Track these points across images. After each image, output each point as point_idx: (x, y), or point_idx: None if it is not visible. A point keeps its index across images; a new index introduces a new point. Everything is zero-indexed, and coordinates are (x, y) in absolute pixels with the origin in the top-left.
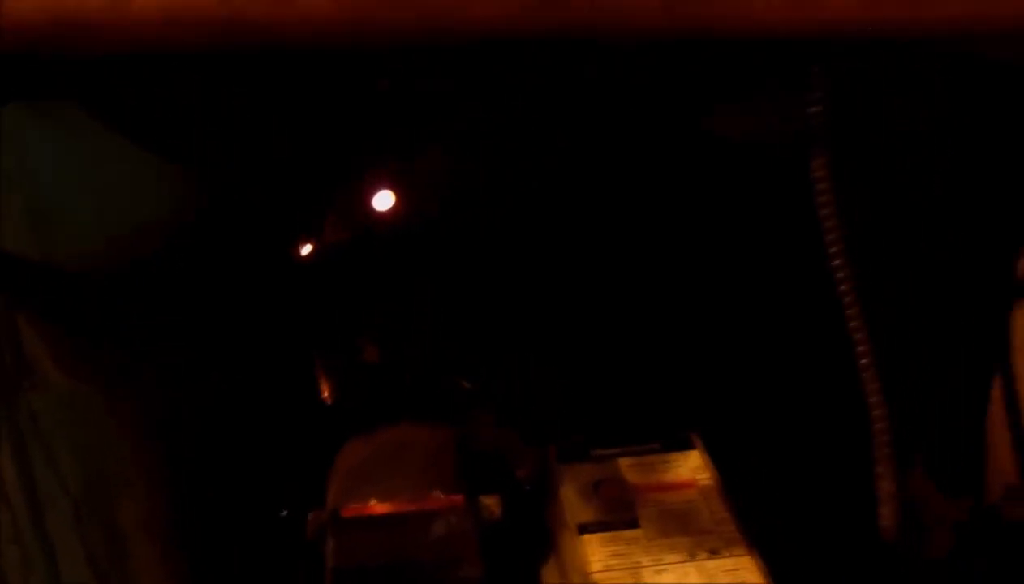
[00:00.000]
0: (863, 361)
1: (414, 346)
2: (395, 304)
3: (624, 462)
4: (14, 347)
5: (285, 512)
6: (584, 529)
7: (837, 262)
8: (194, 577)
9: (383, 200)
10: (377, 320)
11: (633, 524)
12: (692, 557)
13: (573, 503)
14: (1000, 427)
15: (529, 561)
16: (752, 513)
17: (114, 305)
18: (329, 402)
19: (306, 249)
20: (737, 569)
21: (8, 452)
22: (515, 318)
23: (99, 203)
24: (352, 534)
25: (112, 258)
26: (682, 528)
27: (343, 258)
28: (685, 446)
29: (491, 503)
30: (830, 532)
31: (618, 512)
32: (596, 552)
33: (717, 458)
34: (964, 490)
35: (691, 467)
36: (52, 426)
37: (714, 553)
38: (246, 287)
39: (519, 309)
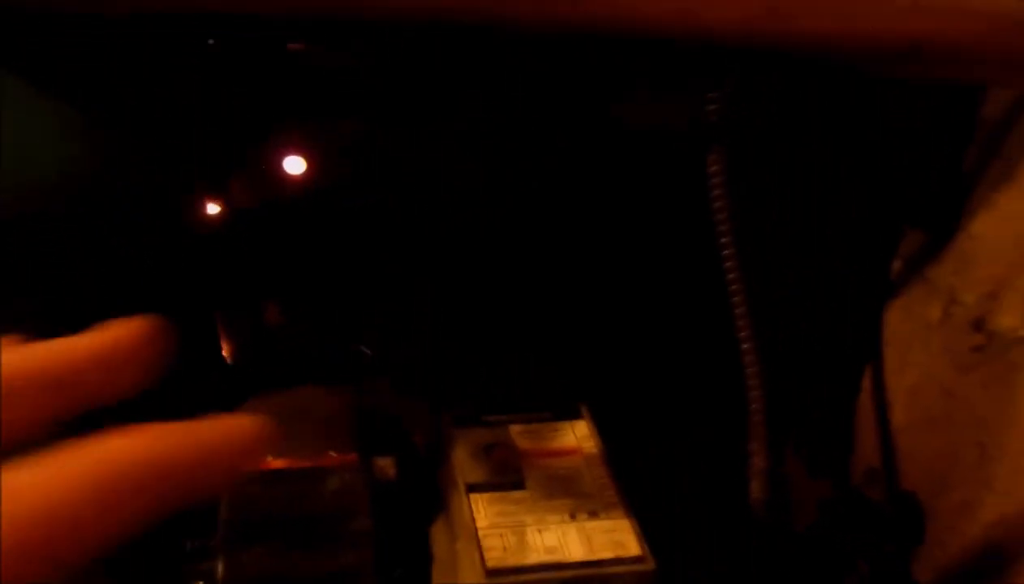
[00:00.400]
0: (745, 346)
1: (316, 310)
2: (298, 269)
3: (514, 428)
4: None
5: None
6: (473, 489)
7: (726, 251)
8: None
9: (294, 164)
10: (280, 283)
11: (520, 486)
12: (573, 518)
13: (464, 464)
14: (867, 415)
15: (420, 520)
16: (632, 481)
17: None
18: (230, 363)
19: (213, 210)
20: (614, 531)
21: None
22: (417, 288)
23: None
24: (245, 488)
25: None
26: (565, 491)
27: (250, 221)
28: (573, 416)
29: (385, 464)
30: (704, 503)
31: (506, 474)
32: (483, 510)
33: (603, 429)
34: (830, 471)
35: (578, 435)
36: None
37: (593, 515)
38: (149, 246)
39: (420, 279)
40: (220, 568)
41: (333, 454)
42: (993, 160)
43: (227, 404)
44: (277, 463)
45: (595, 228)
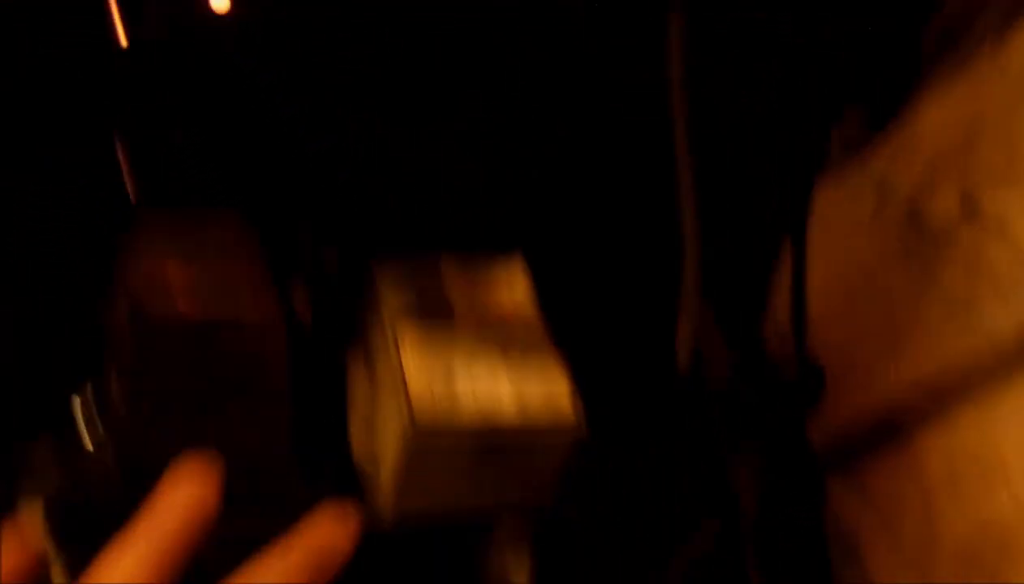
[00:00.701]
0: (685, 209)
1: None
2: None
3: (446, 269)
4: None
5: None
6: (399, 331)
7: (676, 100)
8: None
9: None
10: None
11: (449, 328)
12: (504, 363)
13: (390, 305)
14: (783, 288)
15: (338, 367)
16: (564, 330)
17: None
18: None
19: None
20: (545, 376)
21: None
22: (341, 122)
23: None
24: (152, 329)
25: None
26: (497, 336)
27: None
28: (508, 260)
29: (298, 294)
30: (633, 357)
31: (435, 316)
32: (410, 353)
33: (537, 276)
34: (745, 338)
35: (511, 281)
36: None
37: (525, 360)
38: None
39: (346, 112)
40: (119, 394)
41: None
42: (946, 52)
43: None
44: (186, 305)
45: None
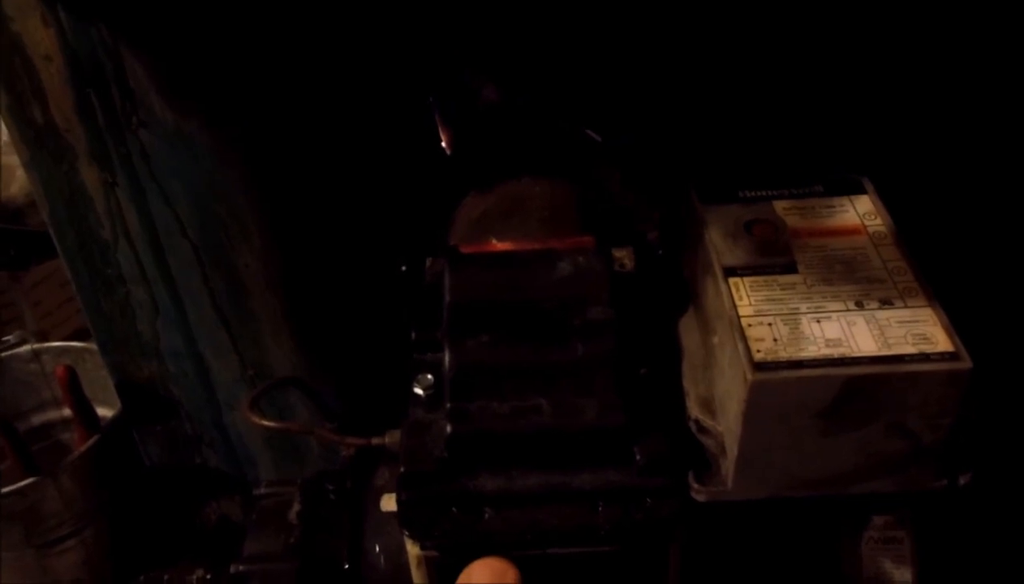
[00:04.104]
0: None
1: (537, 86)
2: (518, 38)
3: (780, 204)
4: (120, 80)
5: (403, 267)
6: (732, 272)
7: None
8: (314, 327)
9: None
10: (499, 56)
11: (790, 269)
12: (860, 306)
13: (719, 246)
14: None
15: (664, 314)
16: (929, 265)
17: (217, 36)
18: (449, 152)
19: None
20: (916, 321)
21: (127, 192)
22: (651, 60)
23: None
24: (472, 270)
25: None
26: (848, 275)
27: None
28: (854, 190)
29: (622, 255)
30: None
31: (772, 255)
32: (746, 297)
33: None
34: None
35: (861, 212)
36: (164, 166)
37: (886, 303)
38: (358, 22)
39: (655, 49)
40: (446, 358)
41: (564, 238)
42: None
43: (445, 197)
44: (502, 245)
45: None
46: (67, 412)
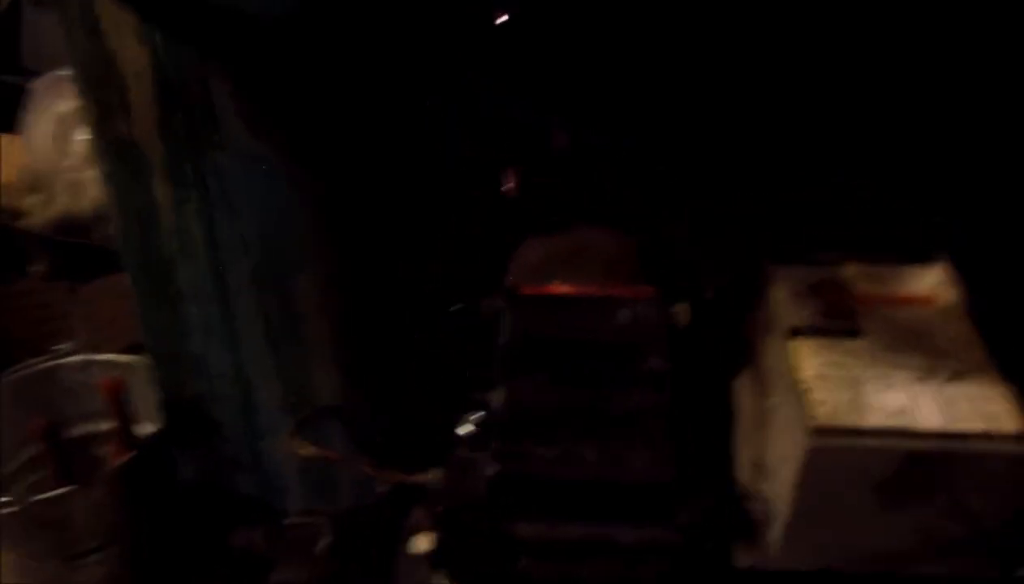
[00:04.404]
0: None
1: (606, 136)
2: (593, 88)
3: (850, 268)
4: (205, 101)
5: (459, 305)
6: (796, 333)
7: None
8: (362, 359)
9: None
10: (571, 105)
11: (855, 334)
12: (926, 379)
13: (785, 306)
14: None
15: (719, 373)
16: (995, 341)
17: (300, 64)
18: (512, 195)
19: (502, 19)
20: (983, 399)
21: (195, 206)
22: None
23: None
24: (531, 310)
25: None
26: (915, 345)
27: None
28: (926, 260)
29: (680, 310)
30: None
31: (838, 319)
32: (809, 358)
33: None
34: None
35: (931, 283)
36: (236, 187)
37: (956, 377)
38: (439, 61)
39: (733, 112)
40: (499, 395)
41: (624, 287)
42: None
43: (506, 242)
44: (562, 288)
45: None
46: (108, 425)
